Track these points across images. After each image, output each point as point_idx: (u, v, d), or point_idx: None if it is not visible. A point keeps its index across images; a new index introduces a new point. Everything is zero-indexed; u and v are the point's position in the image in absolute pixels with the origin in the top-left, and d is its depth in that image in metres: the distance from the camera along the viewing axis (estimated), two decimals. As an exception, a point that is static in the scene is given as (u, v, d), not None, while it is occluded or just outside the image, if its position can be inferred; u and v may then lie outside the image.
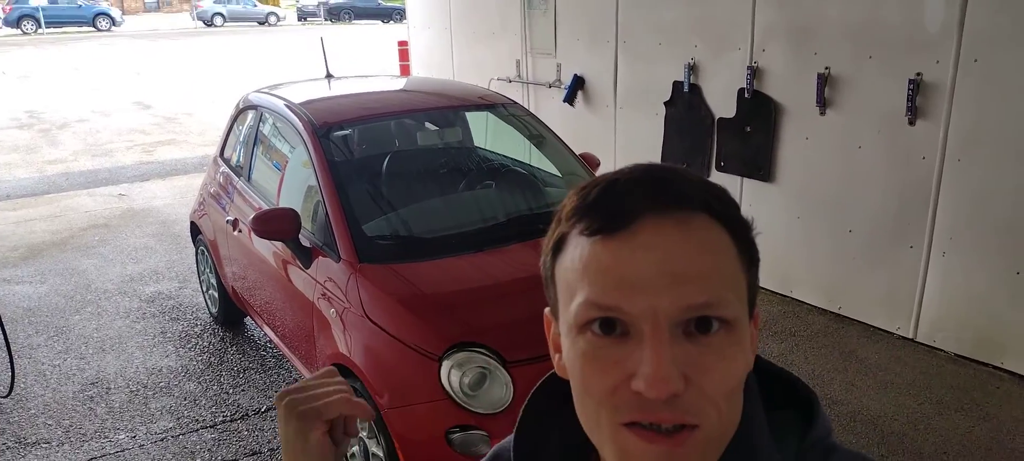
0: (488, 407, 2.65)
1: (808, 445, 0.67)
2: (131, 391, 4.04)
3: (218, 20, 33.73)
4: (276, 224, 3.31)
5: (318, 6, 37.36)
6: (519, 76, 7.05)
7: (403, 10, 11.05)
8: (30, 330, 4.76)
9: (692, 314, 0.58)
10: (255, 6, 35.66)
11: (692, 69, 5.17)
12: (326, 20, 36.19)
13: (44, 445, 3.59)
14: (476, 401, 2.65)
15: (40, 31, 29.58)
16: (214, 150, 4.97)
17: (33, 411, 3.87)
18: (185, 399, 3.96)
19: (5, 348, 3.95)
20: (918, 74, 3.91)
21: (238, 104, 4.66)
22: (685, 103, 5.28)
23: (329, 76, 4.62)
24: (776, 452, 0.66)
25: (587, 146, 4.66)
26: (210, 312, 4.92)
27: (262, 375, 4.19)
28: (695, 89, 5.19)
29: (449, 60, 8.17)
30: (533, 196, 3.92)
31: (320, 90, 4.41)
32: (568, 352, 0.64)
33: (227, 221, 4.20)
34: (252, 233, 3.43)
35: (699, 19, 5.09)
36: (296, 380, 4.08)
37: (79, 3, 31.19)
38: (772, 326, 4.58)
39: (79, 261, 5.95)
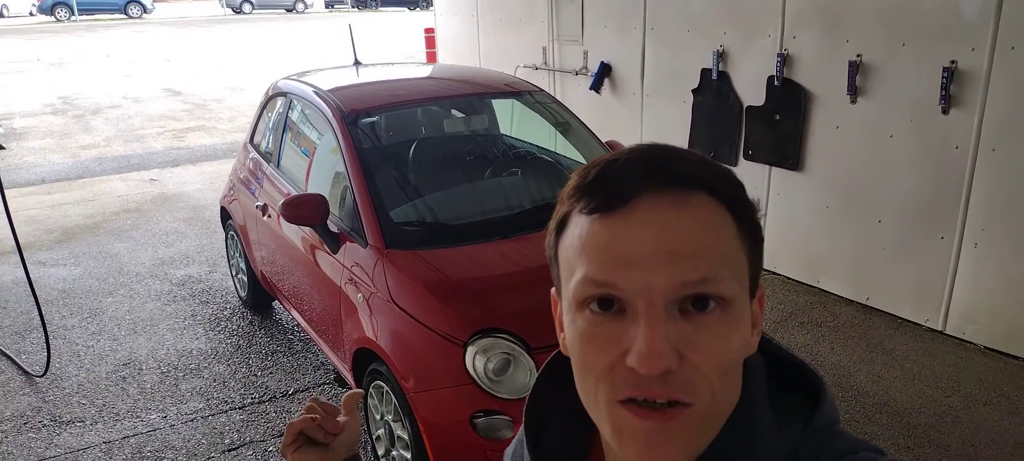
0: (512, 392, 2.67)
1: (812, 430, 0.67)
2: (162, 372, 4.12)
3: (247, 7, 33.96)
4: (305, 210, 3.35)
5: (345, -8, 37.50)
6: (545, 63, 7.03)
7: (430, -3, 11.03)
8: (65, 311, 4.87)
9: (687, 291, 0.59)
10: (283, -7, 35.86)
11: (721, 56, 5.12)
12: (353, 7, 36.30)
13: (78, 424, 3.68)
14: (500, 386, 2.67)
15: (73, 18, 30.01)
16: (243, 136, 5.03)
17: (68, 390, 3.97)
18: (214, 381, 4.03)
19: (41, 329, 4.05)
20: (953, 62, 3.84)
21: (268, 91, 4.70)
22: (713, 91, 5.24)
23: (357, 63, 4.65)
24: (778, 435, 0.66)
25: (614, 134, 4.65)
26: (239, 296, 5.00)
27: (289, 358, 4.25)
28: (724, 77, 5.14)
29: (475, 47, 8.17)
30: (559, 184, 3.88)
31: (348, 77, 4.44)
32: (568, 329, 0.65)
33: (257, 206, 4.25)
34: (281, 218, 3.47)
35: (728, 5, 5.03)
36: (323, 363, 4.13)
37: (111, -10, 31.58)
38: (798, 316, 4.54)
39: (112, 244, 6.07)
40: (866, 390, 3.75)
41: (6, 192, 3.95)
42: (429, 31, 9.66)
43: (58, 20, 29.82)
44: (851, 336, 4.28)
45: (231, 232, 4.92)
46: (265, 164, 4.38)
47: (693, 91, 5.39)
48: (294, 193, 3.77)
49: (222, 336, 4.52)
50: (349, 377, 3.37)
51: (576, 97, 6.43)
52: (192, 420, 3.69)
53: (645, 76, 5.87)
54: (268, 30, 26.03)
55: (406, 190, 3.61)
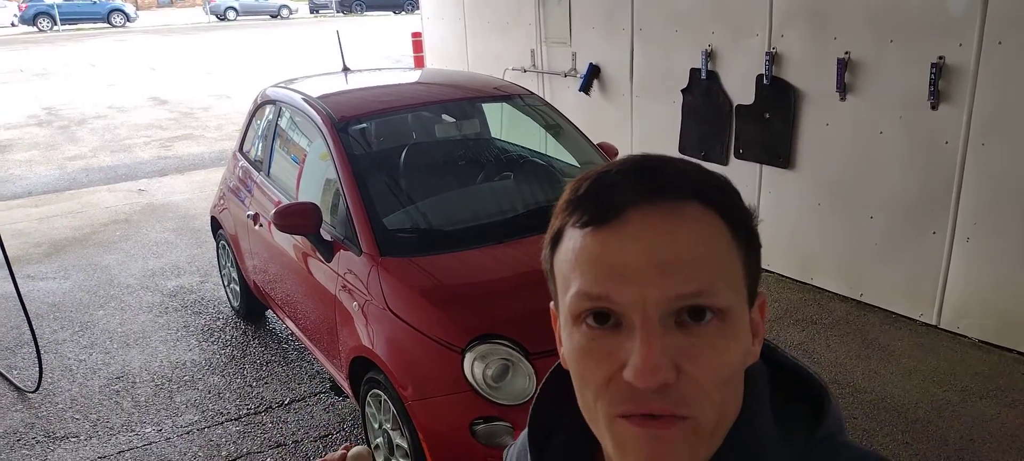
0: (511, 398, 2.66)
1: (816, 441, 0.67)
2: (156, 385, 4.09)
3: (231, 14, 33.84)
4: (298, 219, 3.33)
5: (330, -2, 37.42)
6: (534, 66, 7.03)
7: (415, 0, 11.02)
8: (55, 325, 4.82)
9: (682, 303, 0.58)
10: (268, -1, 35.76)
11: (709, 56, 5.13)
12: (338, 12, 36.20)
13: (73, 439, 3.64)
14: (499, 392, 2.66)
15: (56, 28, 29.81)
16: (231, 145, 5.01)
17: (61, 405, 3.93)
18: (209, 392, 4.00)
19: (33, 344, 4.01)
20: (940, 58, 3.86)
21: (256, 99, 4.68)
22: (703, 90, 5.25)
23: (346, 69, 4.63)
24: (780, 446, 0.66)
25: (604, 135, 4.65)
26: (232, 306, 4.96)
27: (285, 368, 4.22)
28: (713, 76, 5.15)
29: (463, 51, 8.16)
30: (552, 187, 3.91)
31: (337, 84, 4.43)
32: (566, 343, 0.65)
33: (248, 215, 4.22)
34: (273, 227, 3.45)
35: (716, 5, 5.05)
36: (318, 372, 4.11)
37: (94, -1, 31.42)
38: (793, 314, 4.56)
39: (101, 256, 6.02)
40: (863, 386, 3.76)
41: (-6, 207, 3.91)
42: (416, 35, 9.64)
43: (41, 30, 29.61)
44: (846, 333, 4.30)
45: (222, 241, 4.89)
46: (255, 173, 4.35)
47: (682, 91, 5.40)
48: (285, 201, 3.75)
49: (216, 347, 4.49)
50: (346, 386, 3.35)
51: (565, 99, 6.43)
52: (188, 433, 3.66)
53: (634, 77, 5.88)
54: (253, 37, 25.93)
55: (399, 197, 3.59)
